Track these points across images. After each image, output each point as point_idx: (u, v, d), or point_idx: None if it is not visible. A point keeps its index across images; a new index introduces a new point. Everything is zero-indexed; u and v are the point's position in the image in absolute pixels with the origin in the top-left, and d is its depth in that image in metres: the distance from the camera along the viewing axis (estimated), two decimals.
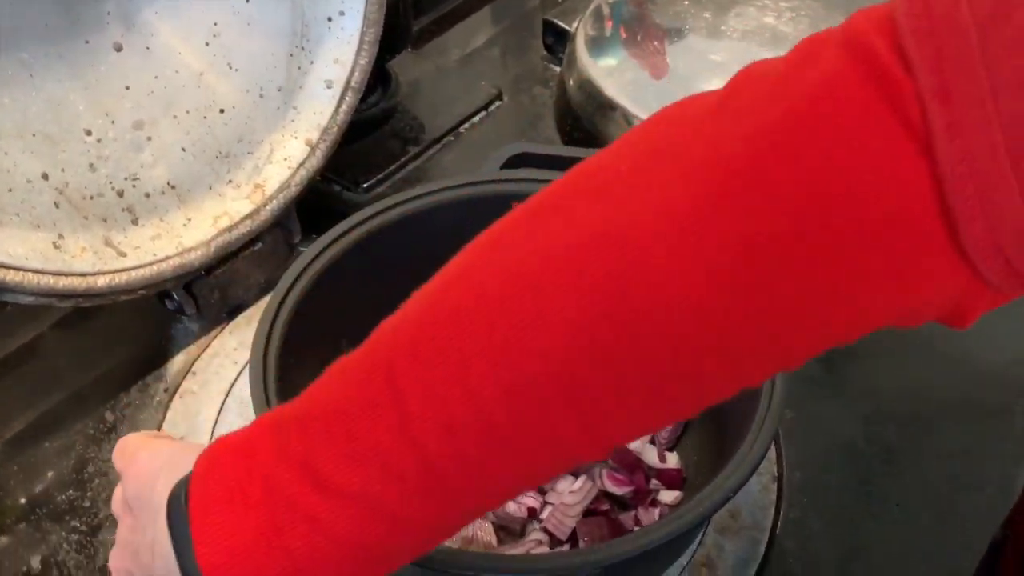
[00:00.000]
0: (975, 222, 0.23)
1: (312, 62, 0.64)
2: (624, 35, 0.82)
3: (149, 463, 0.34)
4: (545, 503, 0.53)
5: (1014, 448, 0.56)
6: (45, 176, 0.54)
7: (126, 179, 0.58)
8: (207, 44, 0.59)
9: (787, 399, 0.45)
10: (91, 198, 0.56)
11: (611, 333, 0.25)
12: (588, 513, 0.52)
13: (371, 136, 0.80)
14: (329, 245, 0.55)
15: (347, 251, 0.56)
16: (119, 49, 0.56)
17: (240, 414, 0.59)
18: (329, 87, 0.65)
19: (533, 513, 0.52)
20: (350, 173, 0.76)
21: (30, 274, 0.52)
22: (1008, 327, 0.61)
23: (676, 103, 0.29)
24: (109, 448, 0.58)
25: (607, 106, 0.74)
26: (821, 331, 0.27)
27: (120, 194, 0.57)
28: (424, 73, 0.89)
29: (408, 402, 0.27)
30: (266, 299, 0.66)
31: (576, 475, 0.53)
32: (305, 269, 0.54)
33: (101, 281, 0.56)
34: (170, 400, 0.60)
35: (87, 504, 0.55)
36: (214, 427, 0.58)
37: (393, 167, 0.78)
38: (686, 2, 0.83)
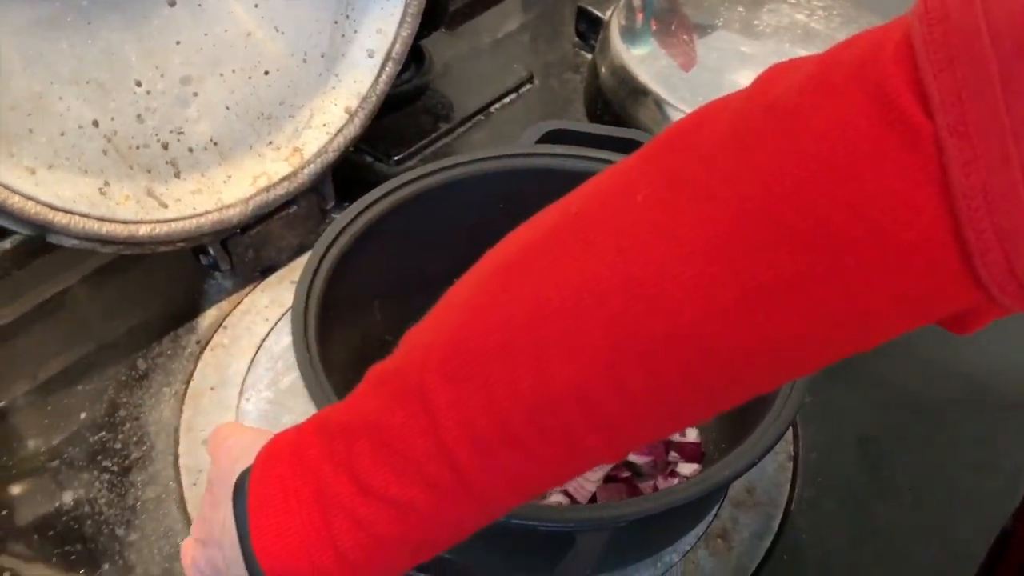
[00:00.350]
0: (990, 253, 0.24)
1: (356, 31, 0.66)
2: (655, 26, 0.83)
3: (233, 449, 0.37)
4: None
5: None
6: (95, 123, 0.55)
7: (171, 132, 0.59)
8: (256, 5, 0.61)
9: (808, 384, 0.46)
10: (137, 148, 0.57)
11: (630, 364, 0.27)
12: (608, 480, 0.53)
13: (404, 111, 0.81)
14: (368, 207, 0.56)
15: (385, 214, 0.57)
16: (172, 4, 0.57)
17: (270, 368, 0.60)
18: (371, 56, 0.66)
19: None
20: (382, 145, 0.77)
21: (76, 217, 0.54)
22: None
23: (690, 121, 0.29)
24: (140, 394, 0.59)
25: (639, 91, 0.76)
26: (832, 353, 0.28)
27: (165, 147, 0.59)
28: (457, 54, 0.90)
29: (440, 419, 0.29)
30: (298, 260, 0.68)
31: None
32: (344, 229, 0.55)
33: (142, 230, 0.57)
34: (201, 352, 0.61)
35: (118, 446, 0.56)
36: (244, 380, 0.60)
37: (424, 142, 0.79)
38: None
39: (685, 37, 0.83)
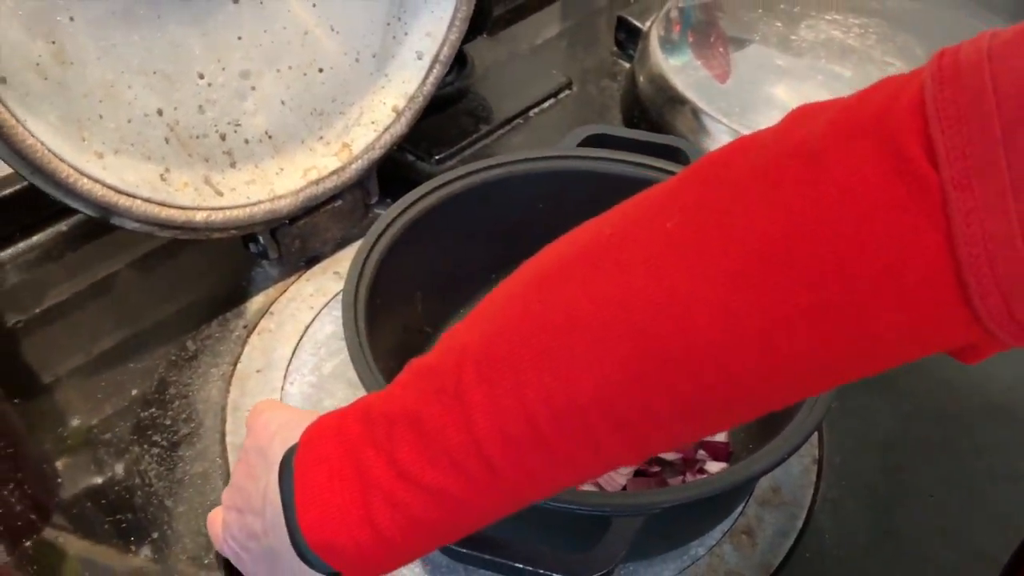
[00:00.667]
0: (990, 297, 0.26)
1: (407, 33, 0.68)
2: (692, 38, 0.85)
3: (270, 424, 0.40)
4: None
5: None
6: (160, 112, 0.58)
7: (229, 124, 0.61)
8: (314, 5, 0.63)
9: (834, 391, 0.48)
10: (197, 138, 0.60)
11: (652, 377, 0.29)
12: (639, 474, 0.55)
13: (445, 112, 0.84)
14: (415, 202, 0.59)
15: (430, 210, 0.59)
16: (236, 1, 0.59)
17: (314, 354, 0.63)
18: (419, 58, 0.69)
19: None
20: (424, 144, 0.80)
21: (138, 201, 0.56)
22: None
23: (720, 155, 0.31)
24: (189, 374, 0.62)
25: (676, 100, 0.78)
26: (840, 378, 0.30)
27: (223, 137, 0.61)
28: (498, 58, 0.92)
29: (473, 414, 0.31)
30: (342, 252, 0.70)
31: None
32: (392, 222, 0.57)
33: (199, 216, 0.59)
34: (248, 336, 0.64)
35: (168, 423, 0.59)
36: (288, 364, 0.62)
37: (464, 143, 0.81)
38: (759, 11, 0.86)
39: (721, 49, 0.85)
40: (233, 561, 0.43)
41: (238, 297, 0.67)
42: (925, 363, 0.66)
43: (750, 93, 0.78)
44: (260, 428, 0.41)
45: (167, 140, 0.58)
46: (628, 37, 0.93)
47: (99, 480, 0.55)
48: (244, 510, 0.40)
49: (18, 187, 0.67)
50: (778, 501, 0.56)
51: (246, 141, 0.62)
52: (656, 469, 0.56)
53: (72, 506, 0.54)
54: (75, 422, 0.59)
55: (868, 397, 0.62)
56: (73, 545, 0.53)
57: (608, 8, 1.04)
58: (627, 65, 0.91)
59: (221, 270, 0.69)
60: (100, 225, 0.59)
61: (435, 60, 0.69)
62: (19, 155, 0.49)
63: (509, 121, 0.85)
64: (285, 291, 0.67)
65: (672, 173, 0.61)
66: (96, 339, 0.63)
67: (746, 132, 0.73)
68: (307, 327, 0.64)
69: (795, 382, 0.30)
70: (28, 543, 0.52)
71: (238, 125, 0.62)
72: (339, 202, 0.68)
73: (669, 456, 0.56)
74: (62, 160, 0.51)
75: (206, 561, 0.51)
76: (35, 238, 0.70)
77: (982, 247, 0.25)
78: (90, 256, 0.70)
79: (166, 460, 0.56)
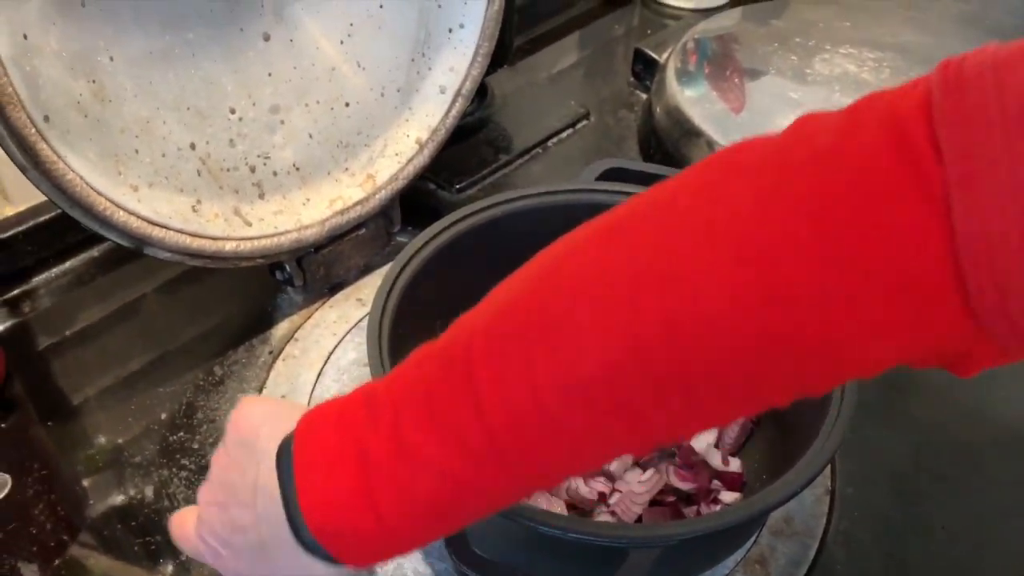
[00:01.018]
0: (986, 292, 0.27)
1: (430, 68, 0.70)
2: (708, 70, 0.87)
3: (252, 416, 0.39)
4: (614, 490, 0.57)
5: None
6: (192, 146, 0.60)
7: (258, 156, 0.63)
8: (342, 42, 0.65)
9: (848, 422, 0.49)
10: (227, 170, 0.62)
11: (658, 355, 0.30)
12: (654, 504, 0.56)
13: (466, 142, 0.86)
14: (438, 234, 0.60)
15: (453, 241, 0.61)
16: (267, 39, 0.61)
17: (336, 380, 0.64)
18: (442, 92, 0.71)
19: (603, 498, 0.56)
20: (445, 174, 0.82)
21: (171, 232, 0.58)
22: None
23: (740, 146, 0.32)
24: (217, 398, 0.63)
25: (692, 132, 0.79)
26: (837, 370, 0.31)
27: (252, 169, 0.63)
28: (516, 88, 0.94)
29: (481, 392, 0.31)
30: (364, 279, 0.72)
31: (645, 468, 0.58)
32: (416, 253, 0.59)
33: (228, 246, 0.61)
34: (273, 362, 0.65)
35: (195, 447, 0.60)
36: (312, 390, 0.64)
37: (484, 172, 0.83)
38: (775, 44, 0.88)
39: (737, 81, 0.87)
40: (208, 559, 0.41)
41: (264, 323, 0.68)
42: (936, 392, 0.67)
43: (764, 124, 0.80)
44: (242, 421, 0.39)
45: (199, 173, 0.60)
46: (645, 69, 0.95)
47: (128, 502, 0.57)
48: (228, 504, 0.39)
49: (52, 214, 0.69)
50: (791, 531, 0.57)
51: (275, 173, 0.64)
52: (671, 499, 0.57)
53: (102, 527, 0.56)
54: (105, 444, 0.60)
55: (881, 428, 0.63)
56: (102, 565, 0.54)
57: (625, 38, 1.06)
58: (644, 96, 0.93)
59: (247, 296, 0.70)
60: (130, 251, 0.61)
61: (457, 94, 0.71)
62: (59, 189, 0.52)
63: (528, 151, 0.87)
64: (309, 317, 0.69)
65: None
66: (126, 363, 0.65)
67: None
68: (330, 353, 0.66)
69: (790, 364, 0.30)
70: (59, 562, 0.54)
71: (267, 158, 0.64)
72: (363, 231, 0.70)
73: (684, 486, 0.57)
74: (100, 194, 0.53)
75: None
76: (67, 263, 0.72)
77: (981, 243, 0.26)
78: (120, 281, 0.72)
79: (194, 484, 0.58)
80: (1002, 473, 0.60)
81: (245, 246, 0.62)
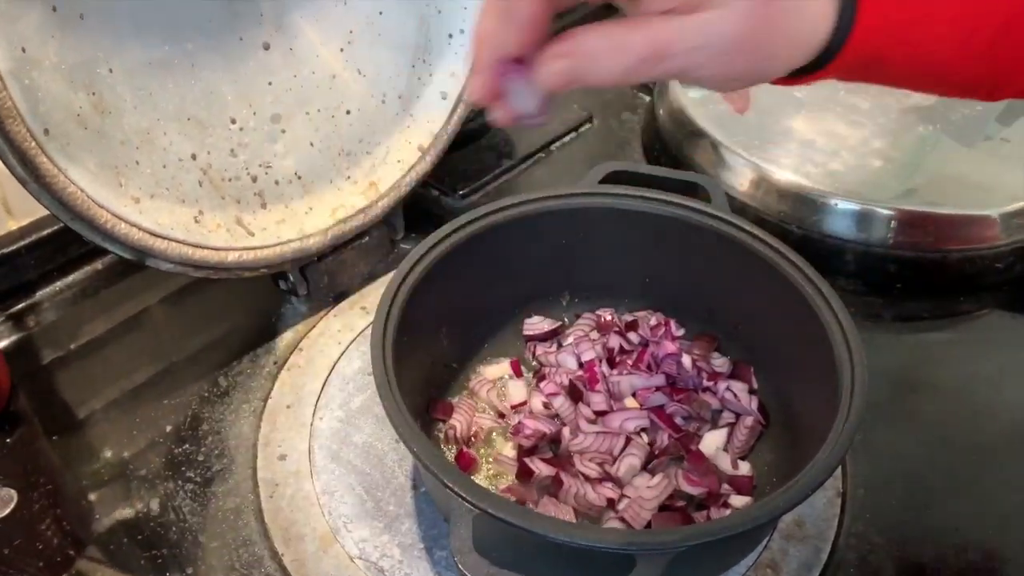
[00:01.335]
0: None
1: (431, 74, 0.70)
2: None
3: None
4: (623, 496, 0.56)
5: None
6: (194, 157, 0.59)
7: (260, 166, 0.63)
8: (342, 50, 0.65)
9: (858, 423, 0.48)
10: (229, 180, 0.62)
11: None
12: (663, 508, 0.56)
13: (469, 148, 0.85)
14: (440, 241, 0.60)
15: (455, 248, 0.60)
16: (267, 48, 0.61)
17: (342, 389, 0.64)
18: (444, 98, 0.70)
19: (612, 504, 0.56)
20: (448, 180, 0.81)
21: (173, 243, 0.58)
22: None
23: None
24: (222, 410, 0.63)
25: (696, 134, 0.79)
26: None
27: (254, 179, 0.63)
28: None
29: None
30: (369, 287, 0.72)
31: (654, 472, 0.57)
32: (419, 261, 0.58)
33: (231, 256, 0.61)
34: (278, 372, 0.65)
35: (200, 458, 0.60)
36: (317, 400, 0.63)
37: (488, 177, 0.83)
38: None
39: None
40: (656, 70, 0.36)
41: (268, 333, 0.68)
42: (947, 392, 0.66)
43: (768, 125, 0.79)
44: None
45: (200, 183, 0.60)
46: None
47: (134, 515, 0.57)
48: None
49: (54, 228, 0.69)
50: (802, 535, 0.56)
51: (276, 182, 0.64)
52: (681, 504, 0.56)
53: (108, 541, 0.56)
54: (111, 458, 0.60)
55: (892, 429, 0.62)
56: None
57: None
58: (647, 99, 0.93)
59: (251, 306, 0.70)
60: (133, 263, 0.60)
61: (459, 100, 0.71)
62: (60, 203, 0.51)
63: (531, 156, 0.86)
64: (314, 327, 0.68)
65: (692, 209, 0.62)
66: (130, 375, 0.65)
67: (765, 166, 0.75)
68: (335, 363, 0.65)
69: None
70: None
71: (269, 167, 0.64)
72: (366, 239, 0.70)
73: (694, 490, 0.56)
74: (101, 206, 0.53)
75: None
76: (71, 277, 0.72)
77: None
78: (124, 293, 0.72)
79: (199, 496, 0.58)
80: (1016, 472, 0.60)
81: (248, 256, 0.62)
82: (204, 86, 0.59)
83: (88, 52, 0.52)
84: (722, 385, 0.62)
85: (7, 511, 0.56)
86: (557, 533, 0.43)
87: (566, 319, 0.68)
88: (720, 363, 0.64)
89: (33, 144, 0.49)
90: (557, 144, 0.88)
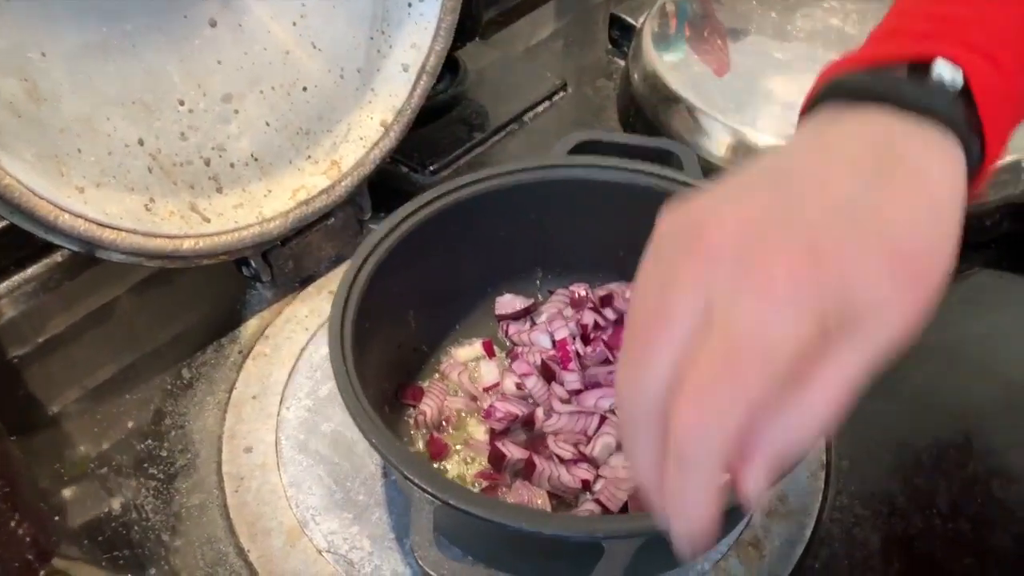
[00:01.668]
0: None
1: (391, 46, 0.67)
2: (688, 32, 0.84)
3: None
4: (598, 476, 0.55)
5: None
6: (141, 142, 0.57)
7: (213, 149, 0.61)
8: (294, 24, 0.62)
9: None
10: (180, 165, 0.59)
11: None
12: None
13: (438, 121, 0.83)
14: (403, 220, 0.58)
15: (419, 226, 0.58)
16: (214, 24, 0.59)
17: (310, 377, 0.62)
18: (405, 70, 0.68)
19: (587, 485, 0.54)
20: (417, 156, 0.79)
21: (123, 233, 0.56)
22: None
23: None
24: (185, 403, 0.61)
25: (671, 99, 0.76)
26: None
27: (207, 163, 0.60)
28: (490, 62, 0.91)
29: None
30: (337, 270, 0.70)
31: None
32: (380, 241, 0.56)
33: (186, 244, 0.59)
34: (243, 361, 0.63)
35: (164, 454, 0.58)
36: (284, 389, 0.61)
37: (459, 152, 0.80)
38: (753, 2, 0.84)
39: (719, 43, 0.83)
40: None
41: (233, 321, 0.66)
42: (935, 356, 0.64)
43: (747, 87, 0.77)
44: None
45: (150, 170, 0.58)
46: (622, 35, 0.91)
47: (97, 516, 0.55)
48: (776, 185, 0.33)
49: (5, 222, 0.67)
50: (785, 510, 0.55)
51: (232, 165, 0.62)
52: None
53: (71, 543, 0.54)
54: (73, 457, 0.58)
55: (876, 395, 0.60)
56: None
57: (604, 5, 1.02)
58: (622, 63, 0.90)
59: (216, 294, 0.68)
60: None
61: (422, 71, 0.68)
62: None
63: (504, 127, 0.84)
64: (280, 313, 0.66)
65: (665, 178, 0.60)
66: (93, 371, 0.63)
67: (743, 130, 0.72)
68: (302, 350, 0.64)
69: None
70: None
71: (223, 150, 0.61)
72: (331, 220, 0.67)
73: None
74: (41, 197, 0.51)
75: None
76: (30, 270, 0.70)
77: None
78: (86, 285, 0.70)
79: (163, 493, 0.56)
80: (1003, 439, 0.58)
81: (205, 243, 0.59)
82: (148, 68, 0.56)
83: (15, 36, 0.49)
84: None
85: None
86: (519, 522, 0.41)
87: (539, 296, 0.66)
88: None
89: None
90: (531, 114, 0.85)
